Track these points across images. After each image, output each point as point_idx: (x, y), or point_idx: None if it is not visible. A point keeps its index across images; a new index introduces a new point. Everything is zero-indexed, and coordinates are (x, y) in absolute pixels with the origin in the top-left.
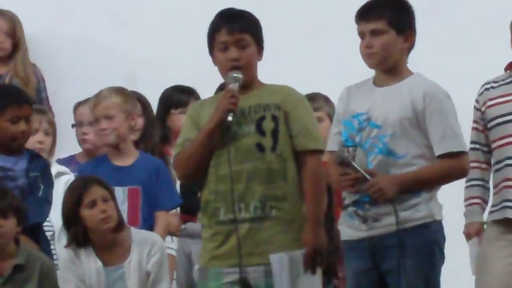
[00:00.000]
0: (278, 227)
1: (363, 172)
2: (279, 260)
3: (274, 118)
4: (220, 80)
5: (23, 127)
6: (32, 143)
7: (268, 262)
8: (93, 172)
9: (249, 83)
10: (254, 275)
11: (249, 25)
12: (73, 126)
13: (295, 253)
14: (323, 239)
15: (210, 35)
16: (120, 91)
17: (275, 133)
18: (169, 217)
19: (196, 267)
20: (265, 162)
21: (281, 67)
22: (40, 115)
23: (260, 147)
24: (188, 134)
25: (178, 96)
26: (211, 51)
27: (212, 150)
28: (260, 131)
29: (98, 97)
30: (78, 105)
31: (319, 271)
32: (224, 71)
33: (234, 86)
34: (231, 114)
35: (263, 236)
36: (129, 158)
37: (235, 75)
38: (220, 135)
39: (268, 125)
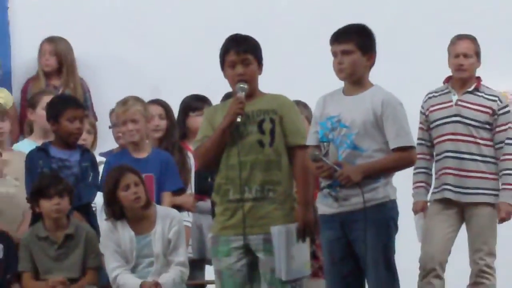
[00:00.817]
0: (273, 205)
1: (332, 165)
2: (278, 231)
3: (272, 121)
4: (225, 90)
5: (78, 125)
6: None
7: (267, 232)
8: (117, 162)
9: (252, 92)
10: (255, 242)
11: (252, 47)
12: (110, 127)
13: (290, 226)
14: (311, 216)
15: (222, 55)
16: (140, 100)
17: (272, 132)
18: (186, 197)
19: (210, 235)
20: (265, 155)
21: (274, 78)
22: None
23: (261, 143)
24: (205, 132)
25: (195, 103)
26: (222, 68)
27: (224, 145)
28: (261, 130)
29: (125, 105)
30: (113, 110)
31: (307, 240)
32: (232, 84)
33: (241, 94)
34: (239, 116)
35: (262, 212)
36: (145, 151)
37: (241, 85)
38: (230, 133)
39: (267, 126)
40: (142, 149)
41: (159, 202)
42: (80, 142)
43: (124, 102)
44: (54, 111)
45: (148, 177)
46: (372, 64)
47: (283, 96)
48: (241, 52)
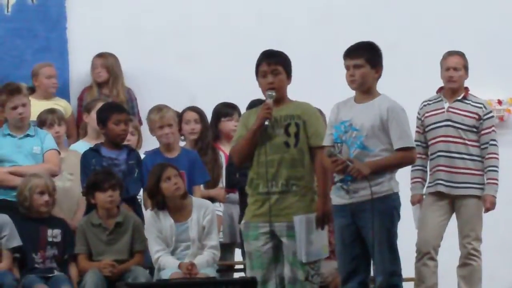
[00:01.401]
0: (296, 197)
1: (345, 160)
2: (299, 220)
3: (297, 125)
4: (249, 98)
5: (123, 127)
6: None
7: (290, 220)
8: (153, 161)
9: (280, 99)
10: (280, 228)
11: (282, 60)
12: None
13: (310, 216)
14: (329, 206)
15: (256, 67)
16: (171, 108)
17: (297, 135)
18: (218, 190)
19: (243, 221)
20: (290, 154)
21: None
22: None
23: (287, 144)
24: (241, 133)
25: (225, 109)
26: (256, 77)
27: (255, 145)
28: (287, 133)
29: (161, 111)
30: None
31: (326, 227)
32: (263, 91)
33: (269, 101)
34: (268, 120)
35: (287, 203)
36: (175, 151)
37: (269, 93)
38: (260, 134)
39: (292, 129)
40: (173, 150)
41: (191, 194)
42: (125, 142)
43: (159, 109)
44: (102, 117)
45: (180, 174)
46: (379, 76)
47: (307, 104)
48: (272, 64)
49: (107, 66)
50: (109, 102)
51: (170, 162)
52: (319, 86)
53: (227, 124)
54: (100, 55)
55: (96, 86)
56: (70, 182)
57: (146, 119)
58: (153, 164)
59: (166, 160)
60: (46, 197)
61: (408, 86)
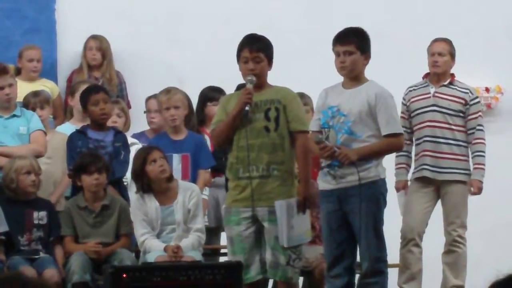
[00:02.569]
0: (277, 182)
1: (333, 147)
2: (280, 205)
3: (277, 109)
4: (237, 82)
5: (102, 106)
6: (108, 123)
7: (271, 205)
8: (158, 144)
9: (261, 85)
10: (261, 213)
11: (264, 46)
12: (144, 112)
13: (291, 200)
14: (310, 191)
15: (238, 51)
16: (180, 90)
17: (277, 119)
18: (204, 174)
19: (223, 206)
20: (270, 138)
21: (283, 71)
22: (114, 104)
23: (267, 129)
24: (220, 117)
25: (211, 93)
26: (238, 62)
27: (235, 129)
28: (267, 118)
29: (169, 93)
30: (148, 98)
31: (307, 212)
32: (244, 76)
33: (250, 86)
34: (248, 105)
35: (268, 188)
36: (182, 134)
37: (249, 78)
38: (240, 119)
39: (272, 114)
40: (179, 132)
41: (194, 177)
42: (111, 124)
43: (168, 91)
44: (83, 100)
45: (185, 156)
46: (368, 62)
47: (287, 88)
48: (253, 51)
49: (102, 49)
50: (89, 85)
51: (177, 145)
52: (308, 71)
53: (213, 109)
54: (95, 37)
55: (86, 68)
56: (46, 166)
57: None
58: (159, 146)
59: (172, 143)
60: (32, 177)
61: (396, 72)
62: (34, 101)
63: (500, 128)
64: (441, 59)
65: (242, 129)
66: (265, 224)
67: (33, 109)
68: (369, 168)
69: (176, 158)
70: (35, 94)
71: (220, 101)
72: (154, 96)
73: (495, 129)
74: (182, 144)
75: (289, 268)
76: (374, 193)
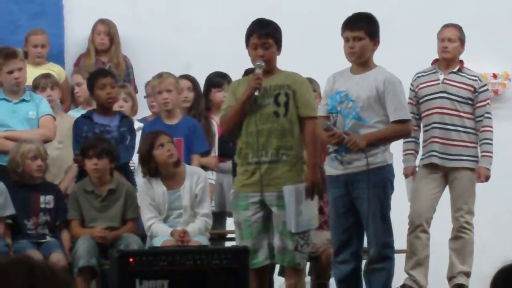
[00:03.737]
0: (286, 167)
1: (341, 133)
2: (288, 190)
3: (286, 94)
4: (244, 67)
5: (108, 90)
6: (115, 107)
7: (280, 190)
8: (152, 128)
9: (270, 70)
10: (270, 198)
11: (273, 32)
12: (145, 97)
13: (299, 186)
14: (319, 176)
15: (247, 36)
16: (172, 74)
17: (286, 104)
18: (210, 159)
19: (232, 191)
20: (279, 123)
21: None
22: (121, 89)
23: (276, 114)
24: (230, 103)
25: (216, 79)
26: (247, 47)
27: (245, 114)
28: (277, 103)
29: (161, 77)
30: (147, 83)
31: (316, 198)
32: (253, 61)
33: (259, 71)
34: (257, 90)
35: (277, 173)
36: (175, 118)
37: (258, 63)
38: (250, 104)
39: (282, 99)
40: (173, 116)
41: (188, 162)
42: (118, 109)
43: (159, 75)
44: (89, 84)
45: (178, 141)
46: (377, 47)
47: (297, 74)
48: (262, 36)
49: (110, 33)
50: (96, 69)
51: (170, 129)
52: (314, 56)
53: (217, 95)
54: (103, 21)
55: (94, 53)
56: (58, 151)
57: (145, 86)
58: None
59: (166, 127)
60: (39, 162)
61: (404, 58)
62: (45, 82)
63: (508, 114)
64: (451, 45)
65: (252, 114)
66: (274, 209)
67: (43, 89)
68: (376, 154)
69: None
70: (45, 75)
71: (228, 87)
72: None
73: (503, 116)
74: (176, 129)
75: (297, 254)
76: (382, 179)
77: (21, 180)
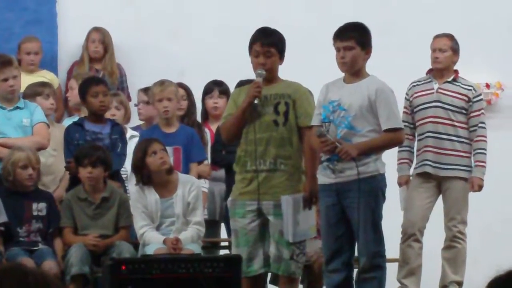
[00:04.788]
0: (284, 177)
1: (334, 141)
2: (286, 200)
3: (286, 104)
4: (239, 75)
5: (101, 98)
6: (107, 115)
7: (277, 199)
8: (149, 136)
9: (271, 79)
10: (267, 206)
11: (276, 41)
12: (135, 105)
13: (297, 196)
14: (317, 186)
15: (250, 44)
16: (173, 83)
17: (286, 113)
18: (203, 167)
19: (229, 199)
20: (278, 133)
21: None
22: (113, 97)
23: (276, 123)
24: (230, 110)
25: (209, 86)
26: (249, 54)
27: (245, 122)
28: (276, 111)
29: (162, 85)
30: (140, 90)
31: (313, 208)
32: (254, 70)
33: (259, 79)
34: (257, 99)
35: (274, 182)
36: (174, 127)
37: (259, 71)
38: (250, 112)
39: (282, 108)
40: (171, 125)
41: (186, 170)
42: (110, 117)
43: (161, 83)
44: (82, 91)
45: (177, 149)
46: (369, 56)
47: (298, 83)
48: (265, 45)
49: (104, 42)
50: (88, 77)
51: (168, 137)
52: (310, 65)
53: (209, 102)
54: (98, 30)
55: (87, 60)
56: (53, 158)
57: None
58: None
59: (164, 136)
60: (30, 171)
61: (399, 67)
62: (49, 90)
63: (500, 124)
64: (442, 55)
65: (251, 122)
66: (270, 218)
67: (47, 96)
68: (368, 163)
69: (168, 151)
70: (46, 84)
71: (231, 96)
72: (143, 89)
73: (495, 125)
74: (174, 137)
75: (292, 263)
76: (373, 188)
77: (13, 188)
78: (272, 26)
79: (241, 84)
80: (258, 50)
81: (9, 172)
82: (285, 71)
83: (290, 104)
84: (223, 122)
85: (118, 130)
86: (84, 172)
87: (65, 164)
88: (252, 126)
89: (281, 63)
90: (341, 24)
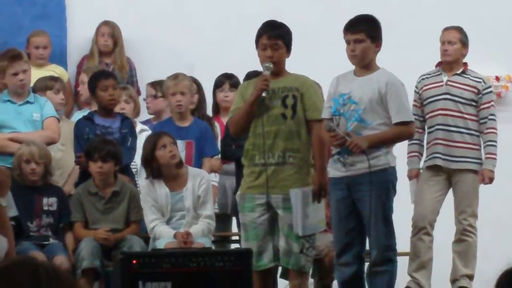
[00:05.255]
0: (293, 170)
1: (344, 135)
2: (295, 194)
3: (294, 97)
4: (248, 68)
5: (110, 92)
6: (117, 109)
7: (286, 193)
8: (163, 129)
9: (279, 72)
10: (276, 200)
11: (283, 34)
12: (144, 99)
13: (306, 189)
14: (326, 180)
15: (257, 37)
16: (188, 76)
17: (294, 106)
18: (214, 161)
19: (238, 192)
20: (287, 126)
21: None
22: (123, 91)
23: (284, 116)
24: (238, 104)
25: (220, 79)
26: (256, 48)
27: (253, 116)
28: (284, 105)
29: (176, 79)
30: (148, 84)
31: (322, 201)
32: (261, 63)
33: (266, 73)
34: (265, 92)
35: (283, 175)
36: (187, 121)
37: (266, 64)
38: (257, 106)
39: (289, 101)
40: (185, 119)
41: (198, 165)
42: (119, 111)
43: (175, 77)
44: (91, 85)
45: (189, 143)
46: (379, 49)
47: (305, 76)
48: (272, 38)
49: (114, 35)
50: (98, 71)
51: (182, 131)
52: (317, 58)
53: (218, 95)
54: (107, 23)
55: (97, 54)
56: (61, 153)
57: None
58: None
59: (177, 129)
60: (32, 165)
61: (408, 61)
62: (60, 85)
63: (510, 117)
64: (451, 48)
65: (259, 116)
66: (279, 212)
67: (58, 91)
68: (378, 156)
69: (180, 145)
70: (56, 78)
71: (238, 89)
72: (151, 83)
73: (505, 118)
74: (187, 131)
75: (302, 256)
76: (384, 181)
77: (22, 182)
78: (279, 18)
79: (249, 76)
80: (265, 43)
81: (16, 166)
82: (292, 64)
83: (298, 97)
84: (230, 116)
85: (128, 124)
86: (95, 167)
87: (75, 159)
88: (260, 119)
89: (288, 56)
90: (348, 16)
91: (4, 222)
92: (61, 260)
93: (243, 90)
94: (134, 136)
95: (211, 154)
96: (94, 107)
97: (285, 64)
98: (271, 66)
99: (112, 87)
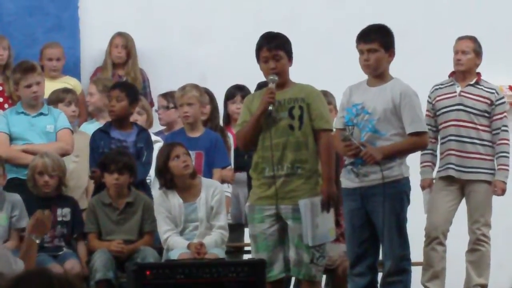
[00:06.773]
0: (301, 180)
1: (359, 145)
2: (304, 204)
3: (301, 108)
4: (260, 78)
5: (112, 103)
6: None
7: (295, 203)
8: (174, 140)
9: (283, 82)
10: (285, 211)
11: (282, 44)
12: (155, 110)
13: (315, 199)
14: (334, 189)
15: (256, 50)
16: (197, 87)
17: (301, 117)
18: (225, 171)
19: (247, 204)
20: (294, 137)
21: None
22: None
23: (291, 127)
24: (244, 117)
25: (231, 91)
26: (257, 61)
27: (260, 129)
28: (291, 116)
29: (183, 90)
30: (160, 95)
31: (331, 210)
32: (265, 75)
33: (272, 85)
34: (271, 105)
35: (292, 186)
36: (198, 132)
37: (271, 77)
38: (265, 119)
39: (296, 112)
40: (195, 129)
41: (207, 176)
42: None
43: (182, 88)
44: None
45: (198, 154)
46: (392, 59)
47: (310, 86)
48: (272, 49)
49: (127, 47)
50: (116, 81)
51: (192, 142)
52: (330, 68)
53: (230, 107)
54: (121, 34)
55: (111, 66)
56: (74, 164)
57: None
58: None
59: (188, 140)
60: (45, 177)
61: (421, 71)
62: (71, 97)
63: None
64: (464, 57)
65: (267, 128)
66: (289, 222)
67: (69, 104)
68: (392, 167)
69: (191, 156)
70: (69, 90)
71: (244, 102)
72: (162, 94)
73: None
74: (197, 142)
75: (312, 266)
76: (398, 192)
77: (36, 193)
78: (293, 26)
79: (260, 86)
80: (266, 55)
81: (30, 178)
82: (305, 74)
83: (304, 107)
84: (238, 130)
85: (144, 137)
86: (111, 178)
87: (90, 173)
88: (268, 132)
89: (290, 64)
90: (361, 25)
91: (31, 258)
92: (72, 264)
93: (248, 103)
94: (150, 149)
95: (221, 165)
96: (102, 119)
97: (288, 74)
98: (276, 78)
99: (116, 99)
